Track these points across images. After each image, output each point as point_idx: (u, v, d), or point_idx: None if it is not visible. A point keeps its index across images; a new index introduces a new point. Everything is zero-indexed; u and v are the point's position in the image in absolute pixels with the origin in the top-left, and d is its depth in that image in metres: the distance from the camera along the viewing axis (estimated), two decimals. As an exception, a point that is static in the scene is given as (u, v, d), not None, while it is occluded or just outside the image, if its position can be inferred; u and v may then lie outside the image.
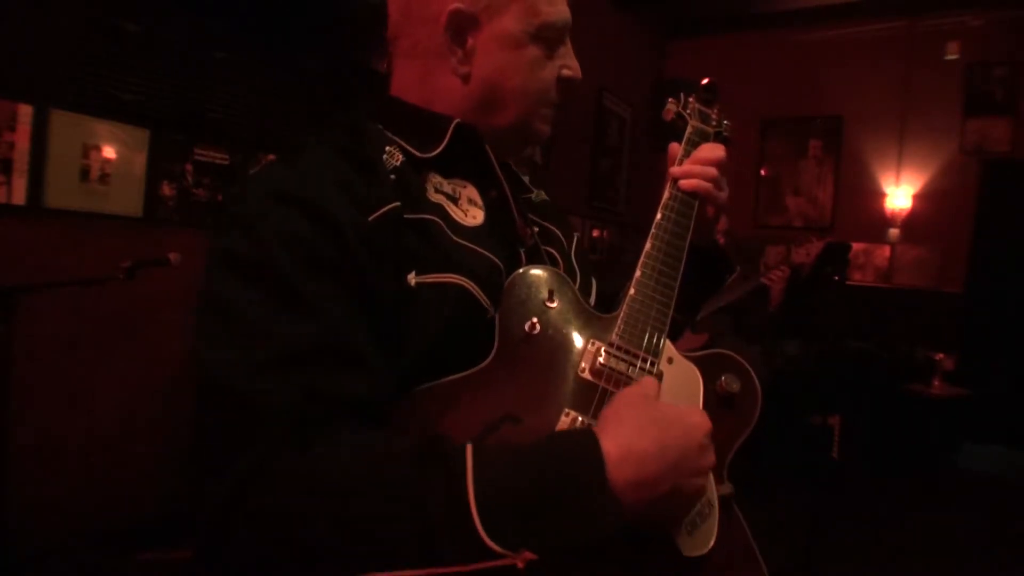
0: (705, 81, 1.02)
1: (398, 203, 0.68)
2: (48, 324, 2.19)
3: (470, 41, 0.76)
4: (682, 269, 0.80)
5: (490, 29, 0.76)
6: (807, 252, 3.60)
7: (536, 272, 0.75)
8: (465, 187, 0.79)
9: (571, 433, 0.64)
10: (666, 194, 0.87)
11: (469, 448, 0.56)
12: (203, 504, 0.56)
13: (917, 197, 5.08)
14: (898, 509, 3.66)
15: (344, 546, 0.53)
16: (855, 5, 5.07)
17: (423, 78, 0.79)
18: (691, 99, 0.98)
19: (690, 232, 0.84)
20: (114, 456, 2.38)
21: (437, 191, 0.75)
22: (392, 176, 0.71)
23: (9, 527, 1.80)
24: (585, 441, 0.59)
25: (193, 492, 0.58)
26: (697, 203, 0.87)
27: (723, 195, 0.89)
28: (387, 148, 0.73)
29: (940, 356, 4.49)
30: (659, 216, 0.84)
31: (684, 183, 0.87)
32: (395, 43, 0.81)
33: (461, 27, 0.75)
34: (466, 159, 0.78)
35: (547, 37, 0.78)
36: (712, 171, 0.88)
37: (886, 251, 5.15)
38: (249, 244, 0.62)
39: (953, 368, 4.51)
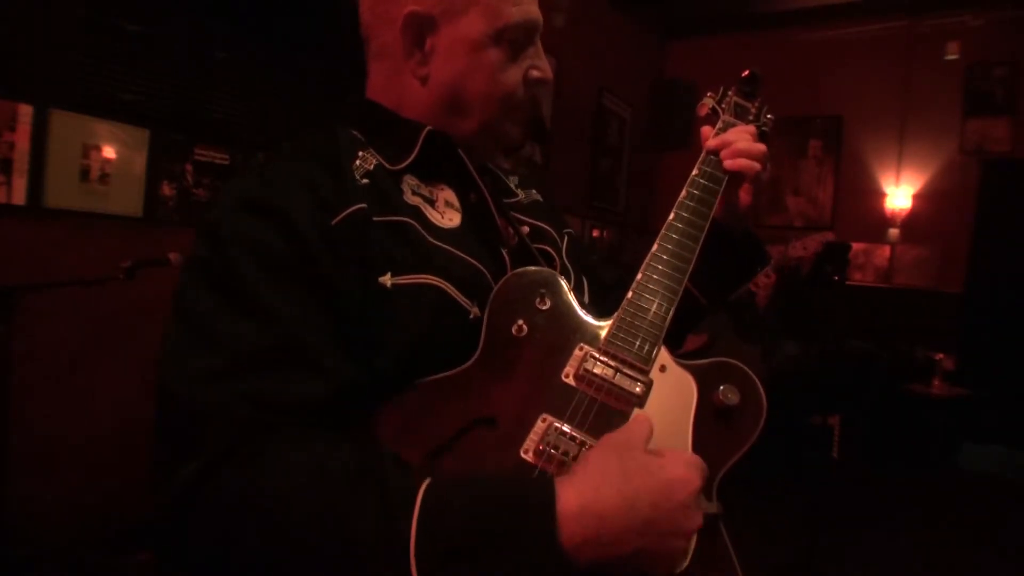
0: (745, 73, 0.93)
1: (364, 205, 0.68)
2: (48, 324, 2.18)
3: (428, 43, 0.75)
4: (691, 269, 0.76)
5: (450, 31, 0.74)
6: (804, 246, 3.56)
7: (530, 273, 0.73)
8: (443, 190, 0.78)
9: (530, 481, 0.60)
10: (693, 172, 0.82)
11: (422, 489, 0.54)
12: (157, 508, 0.57)
13: (917, 197, 5.07)
14: (898, 509, 3.66)
15: (280, 565, 0.54)
16: (855, 5, 5.06)
17: (390, 80, 0.79)
18: (730, 92, 0.93)
19: (709, 220, 0.79)
20: (114, 456, 2.38)
21: (414, 193, 0.75)
22: (365, 180, 0.71)
23: (9, 527, 1.80)
24: (540, 491, 0.55)
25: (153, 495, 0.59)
26: (723, 186, 0.82)
27: (766, 174, 0.83)
28: (360, 153, 0.73)
29: (940, 356, 4.50)
30: (683, 194, 0.80)
31: (729, 163, 0.82)
32: (367, 44, 0.80)
33: (419, 29, 0.74)
34: (442, 163, 0.78)
35: (512, 39, 0.76)
36: (758, 146, 0.82)
37: (886, 251, 5.15)
38: (210, 250, 0.64)
39: (953, 368, 4.52)
